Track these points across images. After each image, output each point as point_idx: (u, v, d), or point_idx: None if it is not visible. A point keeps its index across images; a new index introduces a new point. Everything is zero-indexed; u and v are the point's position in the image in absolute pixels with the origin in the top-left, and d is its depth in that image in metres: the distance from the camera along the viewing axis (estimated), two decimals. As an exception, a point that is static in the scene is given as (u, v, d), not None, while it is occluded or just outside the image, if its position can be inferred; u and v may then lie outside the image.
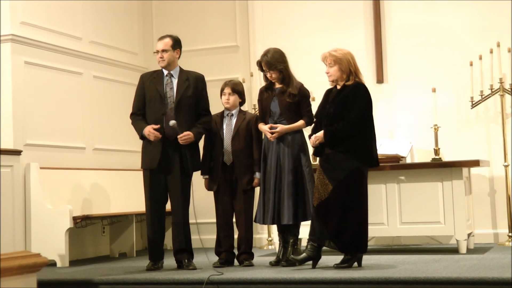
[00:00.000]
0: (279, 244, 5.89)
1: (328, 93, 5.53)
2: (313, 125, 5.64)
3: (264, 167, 5.77)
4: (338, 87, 5.45)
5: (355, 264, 5.37)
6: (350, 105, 5.30)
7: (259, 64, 5.82)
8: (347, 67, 5.38)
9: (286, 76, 5.75)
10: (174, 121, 5.59)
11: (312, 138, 5.41)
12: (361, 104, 5.33)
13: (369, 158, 5.37)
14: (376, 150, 5.43)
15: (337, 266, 5.32)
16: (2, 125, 6.54)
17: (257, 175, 5.83)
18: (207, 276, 5.11)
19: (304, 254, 5.35)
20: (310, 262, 5.40)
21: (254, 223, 5.90)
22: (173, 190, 5.71)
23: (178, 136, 5.61)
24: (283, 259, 5.73)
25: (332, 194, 5.26)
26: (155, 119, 5.71)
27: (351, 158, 5.28)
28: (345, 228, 5.26)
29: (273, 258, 5.90)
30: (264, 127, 5.77)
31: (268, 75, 5.80)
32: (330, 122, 5.33)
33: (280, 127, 5.68)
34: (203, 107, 5.83)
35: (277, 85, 5.82)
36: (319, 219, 5.30)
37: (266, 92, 5.86)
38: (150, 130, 5.63)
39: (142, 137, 5.75)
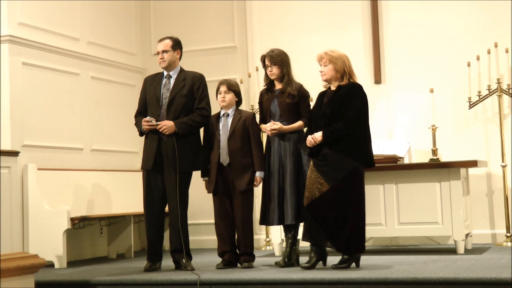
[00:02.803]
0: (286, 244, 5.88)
1: (322, 95, 5.53)
2: (306, 128, 5.65)
3: (267, 168, 5.77)
4: (333, 87, 5.46)
5: (353, 264, 5.37)
6: (347, 105, 5.31)
7: (263, 58, 5.87)
8: (341, 67, 5.40)
9: (286, 75, 5.79)
10: (149, 117, 5.70)
11: (309, 138, 5.38)
12: (358, 104, 5.34)
13: (366, 158, 5.38)
14: (371, 150, 5.44)
15: (335, 267, 5.32)
16: (0, 126, 6.53)
17: (258, 174, 5.80)
18: (206, 277, 5.11)
19: (313, 258, 5.34)
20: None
21: (253, 224, 5.87)
22: (169, 190, 5.71)
23: (157, 127, 5.68)
24: (287, 259, 5.73)
25: (328, 194, 5.25)
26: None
27: (349, 158, 5.28)
28: (343, 228, 5.25)
29: (271, 259, 5.90)
30: (264, 126, 5.80)
31: (269, 71, 5.82)
32: (327, 122, 5.32)
33: (280, 126, 5.70)
34: (197, 104, 5.82)
35: (277, 87, 5.84)
36: (312, 218, 5.30)
37: (266, 94, 5.91)
38: (143, 122, 5.73)
39: (141, 133, 5.82)
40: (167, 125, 5.66)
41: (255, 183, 5.79)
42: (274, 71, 5.80)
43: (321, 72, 5.46)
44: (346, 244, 5.29)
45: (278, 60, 5.78)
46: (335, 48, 5.61)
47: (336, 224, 5.25)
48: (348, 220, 5.25)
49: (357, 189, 5.31)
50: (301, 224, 5.78)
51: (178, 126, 5.68)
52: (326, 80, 5.48)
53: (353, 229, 5.26)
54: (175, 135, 5.66)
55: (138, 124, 5.86)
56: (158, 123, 5.67)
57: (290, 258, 5.71)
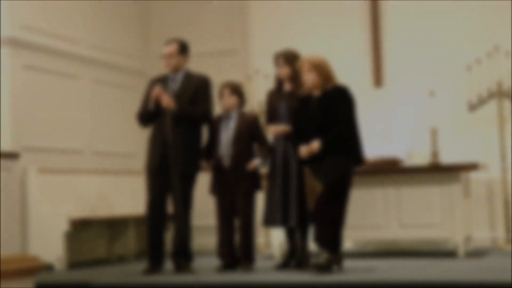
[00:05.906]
0: (288, 246, 5.87)
1: (304, 99, 5.47)
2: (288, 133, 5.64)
3: (271, 168, 5.76)
4: (316, 93, 5.40)
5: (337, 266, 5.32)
6: (338, 109, 5.30)
7: (276, 57, 5.80)
8: (325, 73, 5.37)
9: (298, 77, 5.68)
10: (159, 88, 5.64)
11: (304, 148, 5.30)
12: (349, 106, 5.35)
13: (357, 157, 5.37)
14: (362, 148, 5.41)
15: (316, 265, 5.23)
16: (0, 128, 6.54)
17: (257, 160, 5.69)
18: (205, 279, 5.11)
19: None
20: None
21: (254, 227, 5.85)
22: (174, 192, 5.70)
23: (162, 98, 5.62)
24: (290, 262, 5.72)
25: (323, 195, 5.25)
26: (155, 122, 5.76)
27: (343, 159, 5.28)
28: (331, 226, 5.22)
29: (270, 261, 5.88)
30: (271, 127, 5.76)
31: (280, 69, 5.77)
32: (319, 127, 5.29)
33: (283, 127, 5.65)
34: (200, 106, 5.80)
35: (286, 87, 5.80)
36: (318, 221, 5.31)
37: (275, 94, 5.87)
38: (154, 92, 5.63)
39: (148, 112, 5.75)
40: (170, 100, 5.62)
41: (249, 165, 5.68)
42: (285, 71, 5.75)
43: (305, 79, 5.39)
44: (333, 242, 5.22)
45: (291, 60, 5.74)
46: (335, 50, 5.61)
47: (326, 222, 5.23)
48: (337, 219, 5.22)
49: (347, 190, 5.31)
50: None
51: (177, 108, 5.63)
52: (309, 87, 5.42)
53: (339, 228, 5.23)
54: (174, 123, 5.60)
55: (144, 110, 5.77)
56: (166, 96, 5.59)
57: (305, 259, 5.69)
